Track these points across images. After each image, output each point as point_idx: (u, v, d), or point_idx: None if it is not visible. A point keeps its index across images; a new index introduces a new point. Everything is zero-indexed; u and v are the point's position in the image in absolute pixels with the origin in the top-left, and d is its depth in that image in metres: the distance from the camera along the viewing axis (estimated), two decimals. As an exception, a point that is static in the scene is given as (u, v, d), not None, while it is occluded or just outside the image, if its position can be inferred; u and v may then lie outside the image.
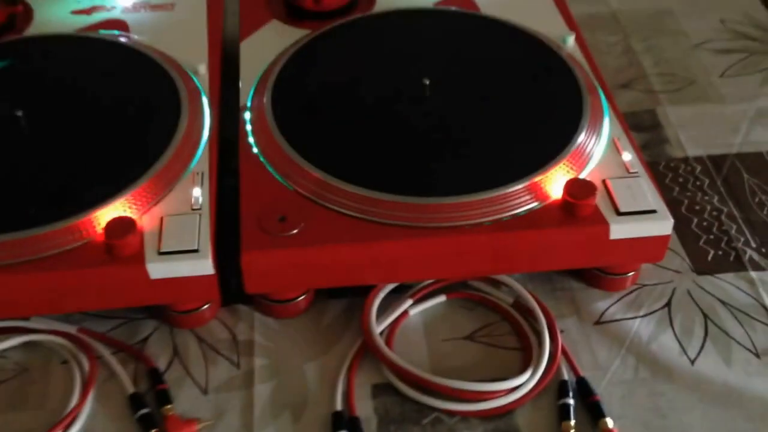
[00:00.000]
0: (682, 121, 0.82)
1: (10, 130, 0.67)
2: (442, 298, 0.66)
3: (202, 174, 0.64)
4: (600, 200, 0.63)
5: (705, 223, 0.72)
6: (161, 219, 0.61)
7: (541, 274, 0.68)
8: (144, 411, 0.58)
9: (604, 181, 0.64)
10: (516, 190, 0.63)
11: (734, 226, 0.72)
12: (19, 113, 0.66)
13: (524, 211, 0.62)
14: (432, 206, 0.62)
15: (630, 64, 0.90)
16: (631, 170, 0.65)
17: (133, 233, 0.58)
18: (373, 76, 0.73)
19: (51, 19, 0.79)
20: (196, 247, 0.59)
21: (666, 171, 0.78)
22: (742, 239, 0.71)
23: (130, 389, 0.59)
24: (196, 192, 0.63)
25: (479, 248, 0.62)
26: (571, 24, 0.80)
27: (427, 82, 0.70)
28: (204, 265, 0.59)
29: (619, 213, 0.62)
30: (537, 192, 0.63)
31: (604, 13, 0.97)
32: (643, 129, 0.82)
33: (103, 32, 0.78)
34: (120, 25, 0.78)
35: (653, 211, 0.62)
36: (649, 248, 0.64)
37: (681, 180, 0.77)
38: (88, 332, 0.62)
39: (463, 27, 0.78)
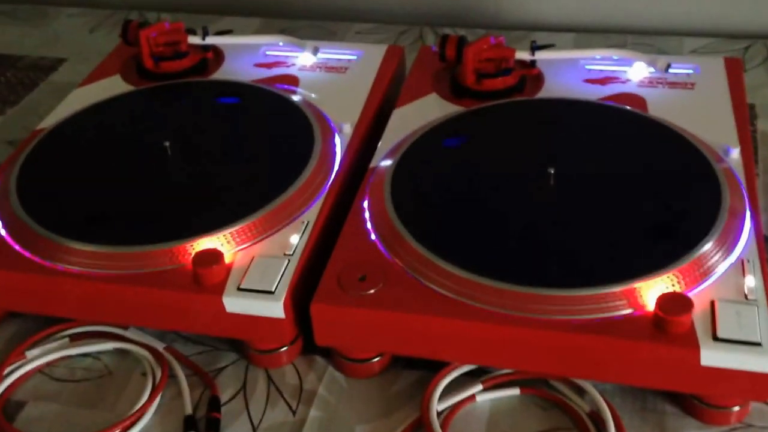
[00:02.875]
0: None
1: (156, 157, 0.73)
2: (515, 391, 0.63)
3: (308, 224, 0.67)
4: (700, 321, 0.58)
5: None
6: (252, 258, 0.64)
7: (633, 390, 0.63)
8: (190, 433, 0.60)
9: (712, 302, 0.59)
10: (609, 293, 0.59)
11: None
12: (167, 144, 0.73)
13: (613, 316, 0.58)
14: (517, 295, 0.60)
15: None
16: (749, 297, 0.59)
17: (218, 265, 0.62)
18: (503, 159, 0.72)
19: (236, 69, 0.87)
20: (271, 289, 0.61)
21: (826, 311, 0.69)
22: None
23: (188, 411, 0.62)
24: (294, 239, 0.65)
25: (554, 345, 0.59)
26: (745, 139, 0.74)
27: (552, 172, 0.68)
28: (275, 308, 0.61)
29: (716, 338, 0.56)
30: (632, 299, 0.59)
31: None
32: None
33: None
34: (292, 80, 0.84)
35: (757, 344, 0.56)
36: (749, 384, 0.57)
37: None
38: (173, 351, 0.66)
39: (617, 123, 0.76)
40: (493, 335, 0.59)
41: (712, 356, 0.56)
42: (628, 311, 0.59)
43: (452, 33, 1.06)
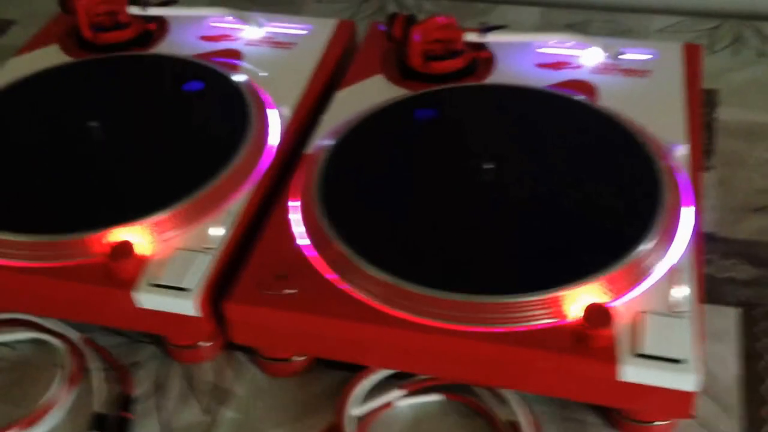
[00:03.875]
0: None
1: (79, 139, 0.71)
2: (439, 397, 0.61)
3: (233, 215, 0.64)
4: (624, 334, 0.56)
5: (780, 388, 0.62)
6: (172, 251, 0.62)
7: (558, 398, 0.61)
8: (95, 433, 0.59)
9: (638, 314, 0.57)
10: (531, 302, 0.57)
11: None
12: (91, 124, 0.70)
13: (534, 326, 0.57)
14: (437, 301, 0.57)
15: (778, 187, 0.79)
16: (676, 309, 0.57)
17: (129, 258, 0.60)
18: (438, 153, 0.69)
19: (181, 42, 0.83)
20: (186, 286, 0.59)
21: (762, 319, 0.67)
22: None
23: (96, 408, 0.60)
24: (216, 231, 0.63)
25: (473, 355, 0.57)
26: (695, 134, 0.71)
27: (486, 168, 0.66)
28: (189, 306, 0.59)
29: (636, 354, 0.55)
30: (555, 308, 0.57)
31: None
32: (757, 263, 0.71)
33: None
34: (236, 54, 0.81)
35: (679, 361, 0.54)
36: (669, 401, 0.55)
37: (776, 333, 0.66)
38: (90, 342, 0.65)
39: (562, 114, 0.73)
40: (411, 343, 0.58)
41: (630, 372, 0.54)
42: (551, 321, 0.57)
43: (412, 5, 1.04)
